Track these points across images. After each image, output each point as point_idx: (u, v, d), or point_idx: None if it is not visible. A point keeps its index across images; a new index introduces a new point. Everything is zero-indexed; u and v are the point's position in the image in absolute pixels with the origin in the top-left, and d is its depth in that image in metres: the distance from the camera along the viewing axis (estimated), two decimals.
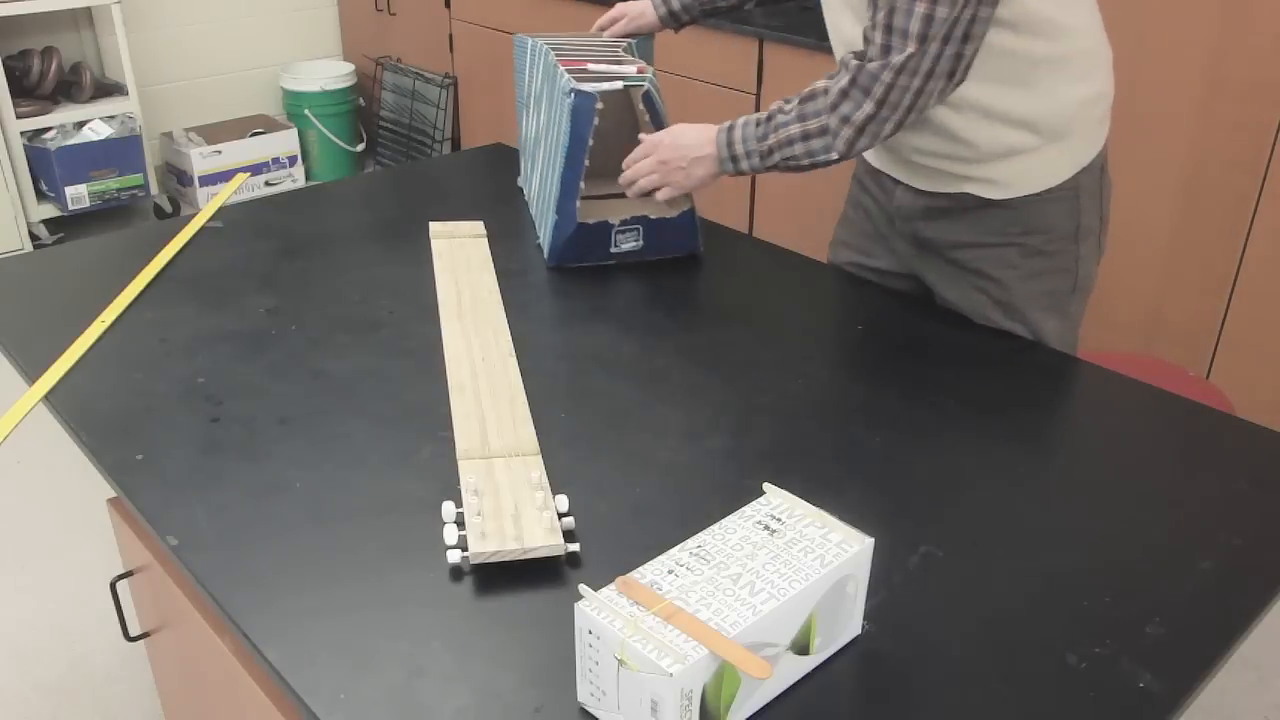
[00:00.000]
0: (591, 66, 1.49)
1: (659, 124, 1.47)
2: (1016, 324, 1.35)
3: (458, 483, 1.05)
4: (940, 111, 1.25)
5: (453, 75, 3.81)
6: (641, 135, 1.44)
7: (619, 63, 1.52)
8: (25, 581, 2.15)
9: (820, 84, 1.24)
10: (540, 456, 1.08)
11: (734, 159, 1.31)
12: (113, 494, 1.15)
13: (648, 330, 1.35)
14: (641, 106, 1.49)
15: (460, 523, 1.00)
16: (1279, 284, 2.17)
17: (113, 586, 1.27)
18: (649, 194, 1.44)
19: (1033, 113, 1.24)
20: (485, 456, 1.07)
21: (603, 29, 1.67)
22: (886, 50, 1.16)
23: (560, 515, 1.00)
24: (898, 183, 1.40)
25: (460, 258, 1.52)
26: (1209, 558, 0.97)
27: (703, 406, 1.19)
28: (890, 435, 1.14)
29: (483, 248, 1.55)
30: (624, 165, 1.45)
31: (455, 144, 3.95)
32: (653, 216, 1.51)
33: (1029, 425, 1.17)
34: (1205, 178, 2.20)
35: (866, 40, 1.18)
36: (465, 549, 0.95)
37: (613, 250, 1.52)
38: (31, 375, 1.24)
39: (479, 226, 1.62)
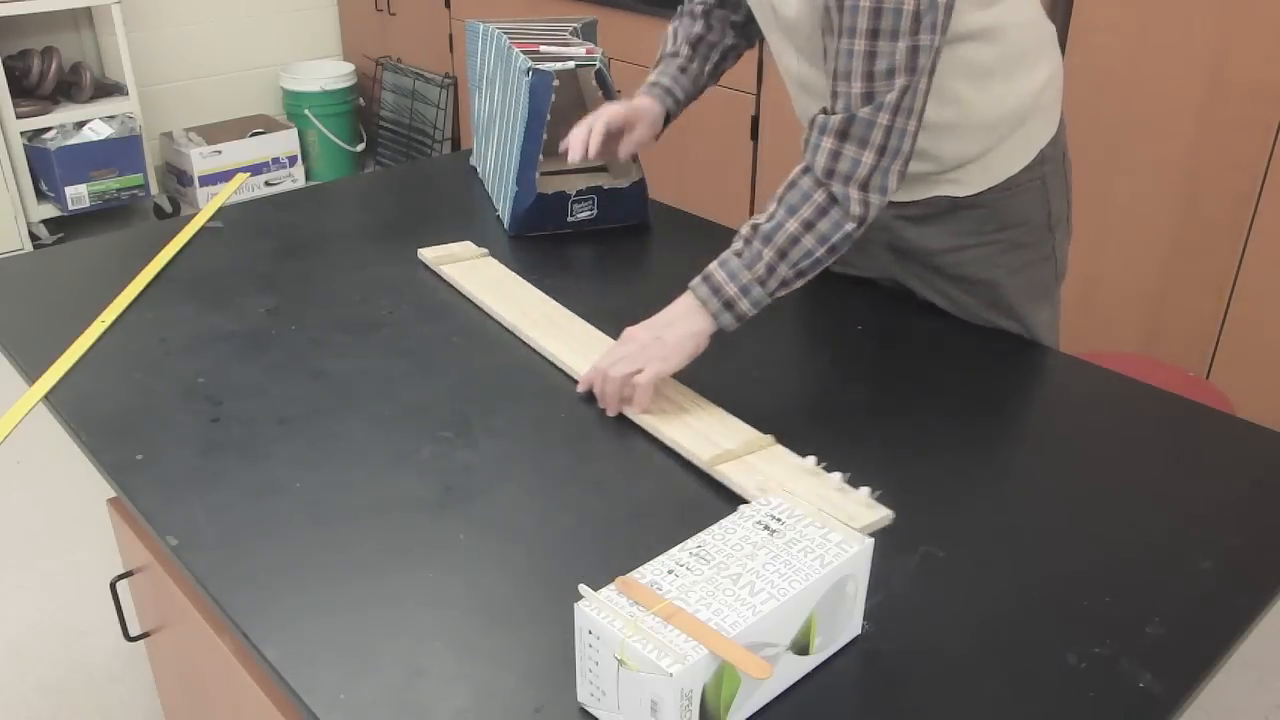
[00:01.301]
0: (544, 49, 1.56)
1: (611, 99, 1.54)
2: (1012, 321, 1.35)
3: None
4: None
5: (452, 75, 3.81)
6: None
7: (568, 45, 1.60)
8: (25, 581, 2.15)
9: (791, 175, 1.13)
10: (780, 445, 1.10)
11: (728, 304, 1.13)
12: (113, 494, 1.15)
13: None
14: (595, 84, 1.56)
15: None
16: (1279, 284, 2.17)
17: (113, 586, 1.27)
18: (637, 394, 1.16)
19: (991, 118, 1.23)
20: (735, 457, 1.07)
21: (612, 133, 1.44)
22: (870, 96, 1.08)
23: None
24: None
25: (488, 277, 1.45)
26: (1209, 558, 0.97)
27: None
28: (890, 435, 1.14)
29: (495, 265, 1.49)
30: (583, 381, 1.21)
31: (455, 144, 3.95)
32: (606, 187, 1.59)
33: (1029, 425, 1.17)
34: (1205, 178, 2.20)
35: (834, 95, 1.10)
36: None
37: (569, 220, 1.59)
38: (31, 375, 1.24)
39: (471, 247, 1.54)
